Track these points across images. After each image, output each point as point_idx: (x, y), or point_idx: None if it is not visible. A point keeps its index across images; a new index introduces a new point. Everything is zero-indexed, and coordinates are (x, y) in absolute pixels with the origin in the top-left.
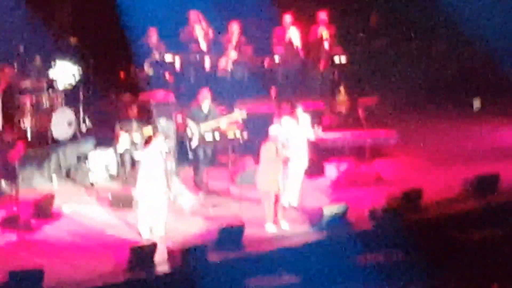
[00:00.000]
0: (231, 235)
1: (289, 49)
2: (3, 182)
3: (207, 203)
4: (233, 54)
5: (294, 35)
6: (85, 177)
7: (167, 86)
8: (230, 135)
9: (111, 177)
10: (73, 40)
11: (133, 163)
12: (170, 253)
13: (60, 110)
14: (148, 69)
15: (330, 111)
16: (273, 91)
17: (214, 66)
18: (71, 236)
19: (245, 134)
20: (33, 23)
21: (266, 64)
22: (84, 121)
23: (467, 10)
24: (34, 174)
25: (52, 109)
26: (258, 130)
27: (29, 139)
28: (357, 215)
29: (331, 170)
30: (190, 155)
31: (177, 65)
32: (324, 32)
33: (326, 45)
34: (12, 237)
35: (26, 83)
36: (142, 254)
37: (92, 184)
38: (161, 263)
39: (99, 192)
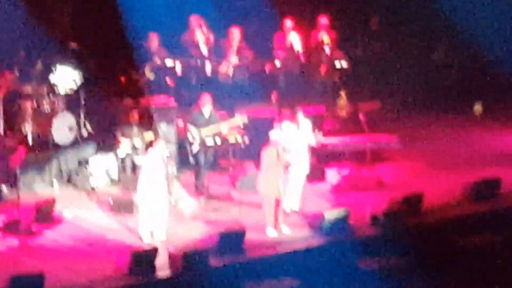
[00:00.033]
0: (232, 239)
1: (290, 54)
2: (4, 186)
3: (208, 207)
4: (234, 59)
5: (295, 39)
6: (86, 182)
7: (168, 91)
8: (231, 140)
9: (112, 181)
10: (73, 44)
11: (134, 167)
12: (171, 257)
13: (61, 115)
14: (149, 74)
15: (331, 116)
16: (274, 96)
17: (215, 71)
18: (72, 241)
19: (246, 138)
20: (34, 28)
21: (267, 69)
22: (85, 126)
23: (469, 15)
24: (35, 179)
25: (53, 114)
26: (259, 134)
27: (30, 143)
28: (358, 220)
29: (332, 175)
30: (191, 160)
31: (178, 69)
32: (324, 37)
33: (327, 49)
34: (13, 241)
35: (27, 88)
36: (143, 258)
37: (93, 189)
38: (162, 268)
39: (100, 197)
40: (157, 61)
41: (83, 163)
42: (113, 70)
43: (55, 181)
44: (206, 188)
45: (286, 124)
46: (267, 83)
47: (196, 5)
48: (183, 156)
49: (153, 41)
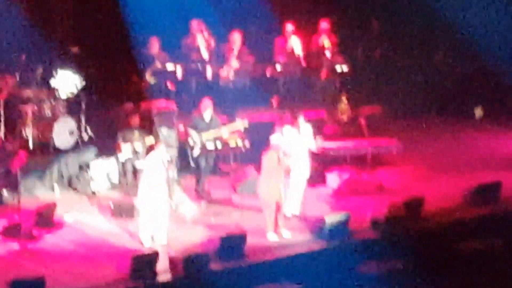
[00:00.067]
0: (232, 243)
1: (291, 58)
2: (5, 191)
3: (209, 211)
4: (234, 63)
5: (295, 44)
6: (87, 186)
7: (169, 95)
8: (232, 144)
9: (113, 186)
10: (74, 49)
11: (135, 172)
12: (172, 261)
13: (62, 119)
14: (150, 78)
15: (331, 120)
16: (274, 100)
17: (216, 75)
18: (73, 245)
19: (246, 143)
20: (35, 33)
21: (267, 73)
22: (85, 130)
23: (469, 19)
24: (36, 183)
25: (54, 118)
26: (259, 139)
27: (31, 148)
28: (358, 224)
29: (333, 179)
30: (192, 164)
31: (179, 74)
32: (325, 41)
33: (327, 54)
34: (14, 246)
35: (28, 92)
36: (144, 262)
37: (93, 193)
38: (163, 272)
39: (100, 201)
40: (158, 65)
41: (84, 167)
42: (114, 74)
43: (56, 185)
44: (206, 192)
45: (287, 128)
46: (268, 88)
47: (197, 10)
48: (184, 161)
49: (154, 45)
